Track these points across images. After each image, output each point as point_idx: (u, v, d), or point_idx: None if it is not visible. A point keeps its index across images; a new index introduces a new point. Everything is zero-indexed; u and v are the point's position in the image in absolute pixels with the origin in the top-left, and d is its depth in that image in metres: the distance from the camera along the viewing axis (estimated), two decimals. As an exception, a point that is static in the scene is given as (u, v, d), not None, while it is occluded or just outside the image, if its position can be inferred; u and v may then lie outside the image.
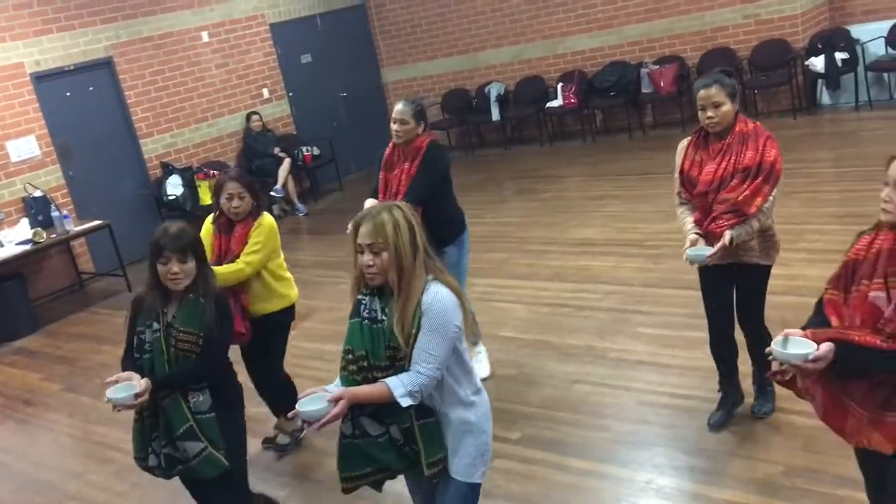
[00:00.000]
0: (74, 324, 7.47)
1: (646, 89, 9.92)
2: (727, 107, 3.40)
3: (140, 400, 2.85)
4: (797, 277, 5.03)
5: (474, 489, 2.59)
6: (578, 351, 4.90)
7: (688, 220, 3.58)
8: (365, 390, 2.37)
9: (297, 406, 2.37)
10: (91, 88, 8.79)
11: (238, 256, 3.89)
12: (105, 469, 4.66)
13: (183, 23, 9.55)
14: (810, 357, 2.14)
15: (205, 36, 9.78)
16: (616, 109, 10.31)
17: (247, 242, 3.90)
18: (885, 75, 9.15)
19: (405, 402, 2.33)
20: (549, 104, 10.53)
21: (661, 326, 4.98)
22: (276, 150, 9.84)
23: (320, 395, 2.36)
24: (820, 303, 2.37)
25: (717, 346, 3.86)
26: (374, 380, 2.39)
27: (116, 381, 2.88)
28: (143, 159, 9.22)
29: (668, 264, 5.86)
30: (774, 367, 2.26)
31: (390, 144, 4.48)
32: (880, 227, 2.24)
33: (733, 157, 3.42)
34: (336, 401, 2.32)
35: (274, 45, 10.60)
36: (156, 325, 3.01)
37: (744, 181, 3.40)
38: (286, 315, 4.20)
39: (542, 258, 6.60)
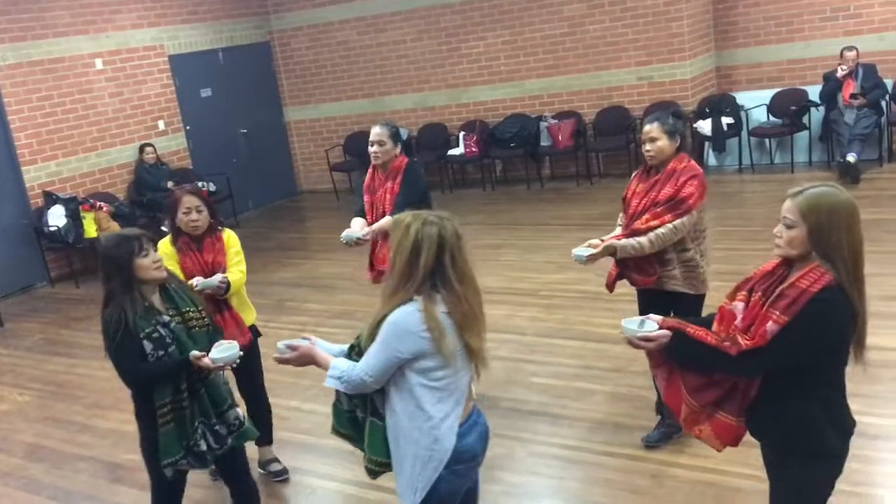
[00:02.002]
0: (-65, 360, 6.92)
1: (544, 142, 10.16)
2: (662, 142, 3.67)
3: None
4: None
5: None
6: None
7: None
8: (321, 355, 2.63)
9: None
10: (-30, 110, 8.33)
11: (225, 267, 3.89)
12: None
13: (76, 48, 9.19)
14: (639, 335, 2.43)
15: (98, 63, 9.43)
16: (515, 160, 10.51)
17: (225, 253, 3.91)
18: (767, 141, 9.71)
19: (329, 381, 2.55)
20: (450, 152, 10.66)
21: (552, 377, 5.01)
22: (170, 184, 9.53)
23: (291, 342, 2.68)
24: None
25: None
26: None
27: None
28: (24, 187, 8.73)
29: (562, 314, 5.93)
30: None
31: (369, 170, 4.70)
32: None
33: (655, 193, 3.70)
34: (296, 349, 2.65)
35: (172, 77, 10.32)
36: (165, 318, 3.01)
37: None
38: (256, 329, 4.19)
39: (438, 305, 6.55)
